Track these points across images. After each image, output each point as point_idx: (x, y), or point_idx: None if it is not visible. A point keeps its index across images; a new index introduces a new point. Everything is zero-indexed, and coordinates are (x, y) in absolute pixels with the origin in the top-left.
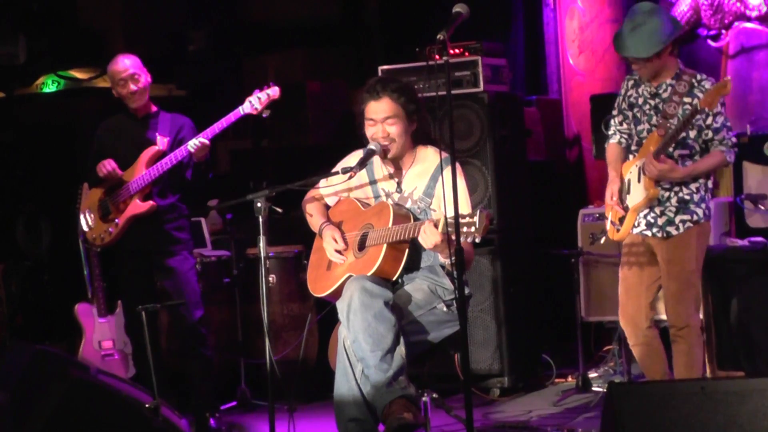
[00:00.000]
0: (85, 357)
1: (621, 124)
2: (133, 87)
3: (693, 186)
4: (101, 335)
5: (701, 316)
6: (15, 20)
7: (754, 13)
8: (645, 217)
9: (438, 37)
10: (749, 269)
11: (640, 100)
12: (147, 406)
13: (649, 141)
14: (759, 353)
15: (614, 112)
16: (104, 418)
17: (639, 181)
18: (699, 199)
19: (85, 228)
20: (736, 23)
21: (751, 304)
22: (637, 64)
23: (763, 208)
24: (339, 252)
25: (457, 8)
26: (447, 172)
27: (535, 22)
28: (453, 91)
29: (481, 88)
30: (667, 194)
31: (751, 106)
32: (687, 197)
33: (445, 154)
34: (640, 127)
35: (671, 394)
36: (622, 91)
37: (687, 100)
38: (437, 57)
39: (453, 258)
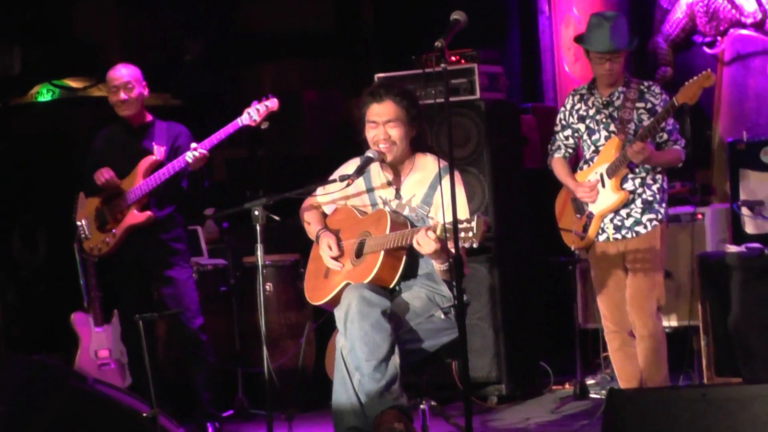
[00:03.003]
0: (81, 366)
1: (567, 138)
2: (123, 96)
3: (654, 187)
4: (98, 345)
5: (699, 323)
6: (10, 30)
7: (749, 20)
8: (612, 221)
9: (436, 44)
10: (747, 276)
11: (592, 111)
12: (145, 415)
13: (610, 146)
14: (757, 359)
15: (557, 128)
16: (102, 428)
17: (604, 186)
18: (660, 199)
19: (82, 237)
20: (731, 30)
21: (748, 311)
22: (612, 60)
23: (760, 214)
24: (335, 259)
25: (455, 15)
26: (446, 180)
27: (531, 29)
28: (450, 99)
29: (478, 95)
30: (631, 197)
31: (748, 113)
32: (650, 198)
33: (444, 162)
34: (595, 137)
35: (672, 400)
36: (568, 106)
37: (640, 105)
38: (431, 64)
39: (450, 264)
